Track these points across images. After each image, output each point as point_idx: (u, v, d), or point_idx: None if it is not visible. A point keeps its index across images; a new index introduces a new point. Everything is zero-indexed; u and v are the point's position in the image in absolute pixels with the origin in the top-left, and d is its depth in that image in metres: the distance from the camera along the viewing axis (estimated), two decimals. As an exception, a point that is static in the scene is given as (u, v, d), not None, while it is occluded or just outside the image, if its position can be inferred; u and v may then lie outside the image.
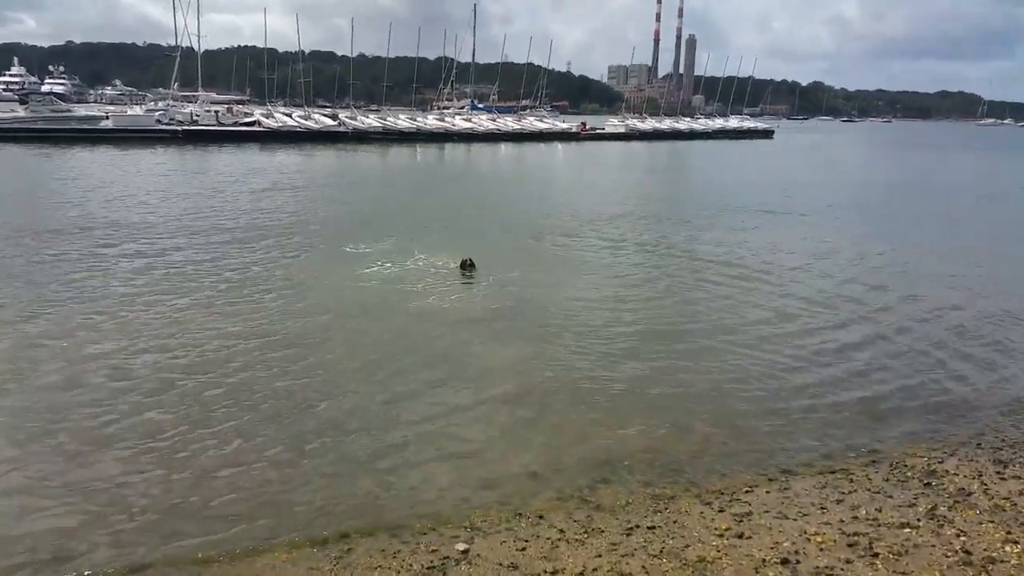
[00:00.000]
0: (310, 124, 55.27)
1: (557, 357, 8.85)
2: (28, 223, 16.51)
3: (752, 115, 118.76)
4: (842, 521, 5.29)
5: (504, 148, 56.42)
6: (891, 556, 4.78)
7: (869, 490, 5.83)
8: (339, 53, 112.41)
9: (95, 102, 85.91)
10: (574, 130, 68.28)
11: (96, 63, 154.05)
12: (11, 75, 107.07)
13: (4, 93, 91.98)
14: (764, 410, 7.52)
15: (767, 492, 5.82)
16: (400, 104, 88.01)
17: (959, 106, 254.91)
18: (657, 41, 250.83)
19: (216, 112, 54.60)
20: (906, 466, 6.31)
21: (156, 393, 7.45)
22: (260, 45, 72.88)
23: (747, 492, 5.82)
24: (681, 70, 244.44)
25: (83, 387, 7.57)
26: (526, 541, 5.02)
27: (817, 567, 4.67)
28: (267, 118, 55.29)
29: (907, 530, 5.14)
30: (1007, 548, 4.87)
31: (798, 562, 4.73)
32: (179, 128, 47.34)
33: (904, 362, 9.09)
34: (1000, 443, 6.88)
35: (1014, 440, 6.94)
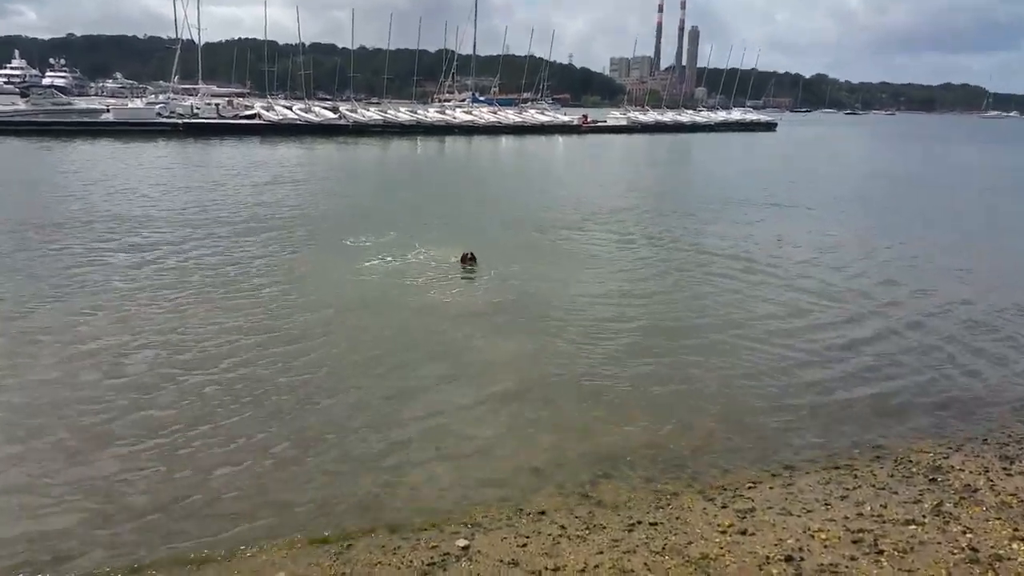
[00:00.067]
0: (311, 117, 55.02)
1: (559, 352, 8.81)
2: (30, 216, 16.47)
3: (755, 108, 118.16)
4: (847, 518, 5.24)
5: (505, 141, 56.17)
6: (896, 553, 4.74)
7: (874, 486, 5.78)
8: (339, 45, 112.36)
9: (96, 95, 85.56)
10: (575, 123, 67.90)
11: (97, 56, 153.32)
12: (12, 68, 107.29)
13: (5, 86, 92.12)
14: (769, 406, 7.47)
15: (771, 488, 5.78)
16: (401, 97, 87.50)
17: (963, 99, 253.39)
18: (660, 33, 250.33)
19: (217, 105, 54.32)
20: (911, 462, 6.26)
21: (156, 389, 7.42)
22: (260, 37, 72.25)
23: (750, 488, 5.78)
24: (684, 62, 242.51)
25: (83, 382, 7.54)
26: (527, 537, 4.99)
27: (821, 564, 4.62)
28: (267, 111, 55.02)
29: (912, 527, 5.09)
30: (1014, 545, 4.82)
31: (802, 559, 4.68)
32: (180, 121, 47.25)
33: (914, 357, 9.04)
34: (1007, 439, 6.83)
35: (1021, 436, 6.89)
